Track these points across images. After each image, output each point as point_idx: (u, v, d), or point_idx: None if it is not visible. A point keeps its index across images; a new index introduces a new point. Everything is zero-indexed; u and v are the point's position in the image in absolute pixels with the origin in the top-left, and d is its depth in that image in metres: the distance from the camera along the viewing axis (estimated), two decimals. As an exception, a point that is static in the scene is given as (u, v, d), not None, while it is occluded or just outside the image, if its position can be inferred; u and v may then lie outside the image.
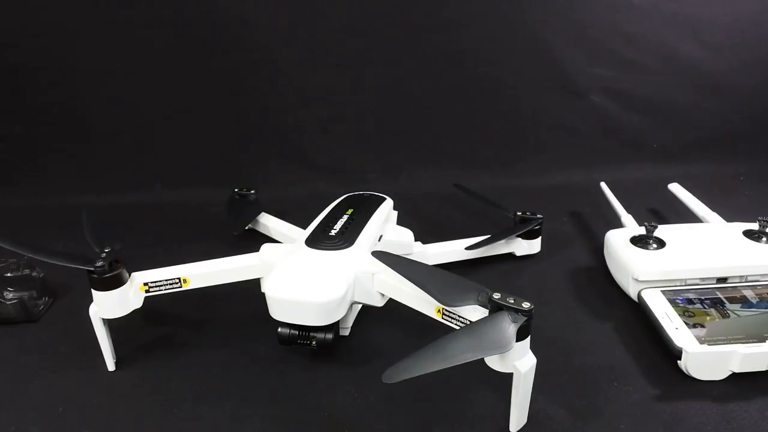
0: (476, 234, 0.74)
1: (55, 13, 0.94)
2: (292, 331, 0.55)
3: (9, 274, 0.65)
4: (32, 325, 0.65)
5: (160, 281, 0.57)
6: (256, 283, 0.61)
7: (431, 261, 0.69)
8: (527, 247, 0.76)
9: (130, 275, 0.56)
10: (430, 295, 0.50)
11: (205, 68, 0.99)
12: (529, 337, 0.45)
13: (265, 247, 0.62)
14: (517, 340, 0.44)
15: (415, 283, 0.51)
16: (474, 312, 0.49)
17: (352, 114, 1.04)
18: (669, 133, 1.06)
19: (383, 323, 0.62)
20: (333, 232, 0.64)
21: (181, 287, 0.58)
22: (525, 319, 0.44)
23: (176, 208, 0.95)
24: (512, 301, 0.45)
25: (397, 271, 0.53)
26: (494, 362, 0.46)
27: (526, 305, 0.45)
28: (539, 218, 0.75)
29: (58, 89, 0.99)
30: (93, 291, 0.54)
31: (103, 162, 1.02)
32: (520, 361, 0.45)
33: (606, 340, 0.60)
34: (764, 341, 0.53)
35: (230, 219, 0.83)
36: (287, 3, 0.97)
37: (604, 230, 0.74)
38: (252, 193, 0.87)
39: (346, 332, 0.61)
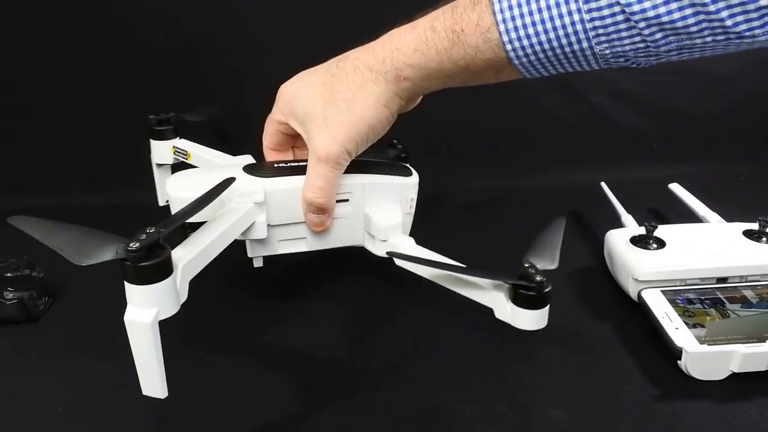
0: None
1: (54, 12, 0.94)
2: None
3: (9, 274, 0.65)
4: (32, 325, 0.64)
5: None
6: (256, 283, 0.61)
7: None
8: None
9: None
10: (60, 252, 0.41)
11: (204, 68, 0.99)
12: None
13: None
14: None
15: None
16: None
17: (352, 114, 1.04)
18: (669, 133, 1.06)
19: (385, 323, 0.62)
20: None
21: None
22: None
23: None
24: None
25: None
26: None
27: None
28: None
29: (57, 89, 0.99)
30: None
31: (102, 162, 1.02)
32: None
33: (606, 340, 0.60)
34: (764, 341, 0.53)
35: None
36: (287, 3, 0.97)
37: (604, 230, 0.73)
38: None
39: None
